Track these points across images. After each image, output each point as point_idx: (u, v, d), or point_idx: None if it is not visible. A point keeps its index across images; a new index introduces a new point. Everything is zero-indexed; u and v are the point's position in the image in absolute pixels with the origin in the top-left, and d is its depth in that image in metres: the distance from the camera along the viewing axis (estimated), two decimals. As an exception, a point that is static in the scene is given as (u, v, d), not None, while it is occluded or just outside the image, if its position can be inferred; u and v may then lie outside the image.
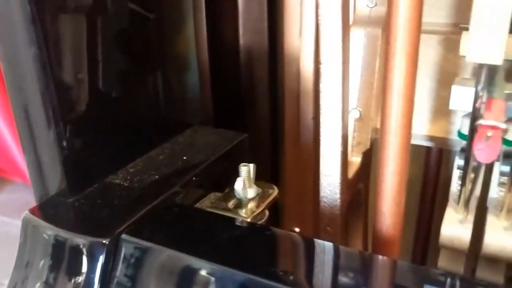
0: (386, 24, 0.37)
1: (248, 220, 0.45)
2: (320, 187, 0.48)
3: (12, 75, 0.43)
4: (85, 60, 0.45)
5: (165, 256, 0.39)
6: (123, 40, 0.48)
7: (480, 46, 0.34)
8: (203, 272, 0.38)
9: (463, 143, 0.44)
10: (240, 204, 0.47)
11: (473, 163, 0.41)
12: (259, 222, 0.47)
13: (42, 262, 0.42)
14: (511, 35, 0.36)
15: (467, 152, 0.40)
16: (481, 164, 0.41)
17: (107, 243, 0.40)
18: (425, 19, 0.49)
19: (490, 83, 0.38)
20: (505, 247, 0.41)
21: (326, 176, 0.46)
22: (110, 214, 0.43)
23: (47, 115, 0.43)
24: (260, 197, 0.48)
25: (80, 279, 0.41)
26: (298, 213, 0.69)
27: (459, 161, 0.43)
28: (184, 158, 0.52)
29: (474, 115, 0.38)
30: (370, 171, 0.58)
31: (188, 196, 0.48)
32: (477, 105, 0.38)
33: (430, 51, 0.50)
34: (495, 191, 0.45)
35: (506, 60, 0.37)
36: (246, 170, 0.46)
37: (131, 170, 0.50)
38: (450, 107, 0.43)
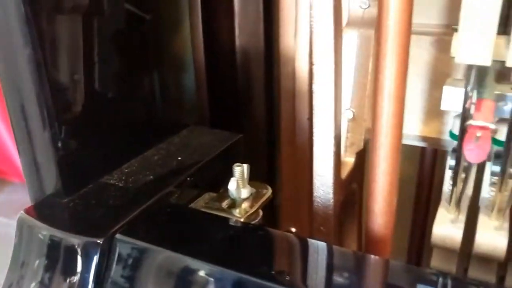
0: (377, 25, 0.37)
1: (242, 220, 0.45)
2: (313, 187, 0.48)
3: (7, 76, 0.43)
4: (80, 61, 0.45)
5: (159, 255, 0.40)
6: (119, 41, 0.49)
7: (469, 47, 0.35)
8: (197, 272, 0.38)
9: (455, 143, 0.44)
10: (234, 204, 0.47)
11: (464, 163, 0.42)
12: (253, 222, 0.47)
13: (37, 262, 0.43)
14: (501, 36, 0.37)
15: (457, 152, 0.40)
16: (471, 164, 0.42)
17: (101, 243, 0.40)
18: (418, 20, 0.50)
19: (480, 84, 0.39)
20: (496, 247, 0.42)
21: (320, 176, 0.47)
22: (104, 214, 0.44)
23: (42, 116, 0.43)
24: (254, 197, 0.48)
25: (75, 278, 0.41)
26: (294, 213, 0.70)
27: (450, 161, 0.44)
28: (179, 158, 0.52)
29: (464, 116, 0.39)
30: (364, 171, 0.59)
31: (183, 196, 0.49)
32: (467, 105, 0.38)
33: (422, 52, 0.50)
34: (486, 191, 0.46)
35: (496, 61, 0.38)
36: (240, 170, 0.47)
37: (126, 170, 0.50)
38: (442, 108, 0.43)
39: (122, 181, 0.48)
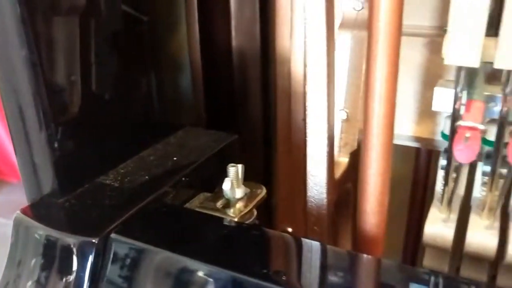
0: (368, 27, 0.38)
1: (236, 219, 0.46)
2: (307, 187, 0.48)
3: (4, 76, 0.43)
4: (77, 62, 0.45)
5: (153, 255, 0.40)
6: (115, 42, 0.49)
7: (458, 49, 0.35)
8: (191, 271, 0.39)
9: (447, 143, 0.45)
10: (228, 204, 0.48)
11: (455, 163, 0.42)
12: (247, 222, 0.47)
13: (33, 261, 0.43)
14: (490, 38, 0.37)
15: (448, 153, 0.41)
16: (462, 164, 0.42)
17: (96, 242, 0.41)
18: (410, 21, 0.50)
19: (470, 85, 0.39)
20: (487, 246, 0.42)
21: (313, 176, 0.47)
22: (100, 214, 0.44)
23: (38, 117, 0.43)
24: (248, 197, 0.49)
25: (71, 278, 0.41)
26: (290, 213, 0.70)
27: (442, 161, 0.44)
28: (174, 159, 0.53)
29: (454, 117, 0.39)
30: (358, 171, 0.59)
31: (178, 196, 0.49)
32: (456, 106, 0.39)
33: (415, 54, 0.51)
34: (478, 191, 0.46)
35: (486, 63, 0.38)
36: (234, 170, 0.47)
37: (122, 170, 0.50)
38: (433, 109, 0.43)
39: (117, 181, 0.49)
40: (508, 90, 0.37)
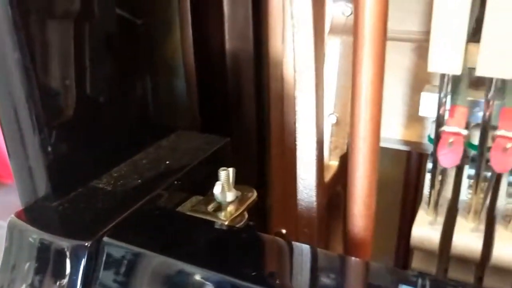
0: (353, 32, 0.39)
1: (226, 223, 0.46)
2: (297, 191, 0.49)
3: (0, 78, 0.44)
4: (71, 66, 0.46)
5: (145, 258, 0.41)
6: (109, 46, 0.49)
7: (440, 57, 0.36)
8: (181, 274, 0.39)
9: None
10: (219, 207, 0.48)
11: (440, 167, 0.43)
12: (238, 225, 0.48)
13: (27, 265, 0.44)
14: (475, 44, 0.38)
15: (434, 156, 0.42)
16: (447, 168, 0.43)
17: (88, 245, 0.41)
18: (399, 27, 0.51)
19: (454, 90, 0.40)
20: (472, 248, 0.43)
21: (303, 180, 0.48)
22: (92, 218, 0.45)
23: (31, 121, 0.44)
24: (239, 200, 0.49)
25: (64, 281, 0.42)
26: (283, 215, 0.71)
27: (429, 165, 0.45)
28: (167, 162, 0.53)
29: (439, 122, 0.40)
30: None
31: (170, 199, 0.50)
32: (441, 112, 0.40)
33: (403, 58, 0.51)
34: (464, 194, 0.47)
35: (471, 68, 0.39)
36: (225, 174, 0.48)
37: (115, 174, 0.51)
38: (420, 114, 0.44)
39: (110, 185, 0.49)
40: (490, 95, 0.37)
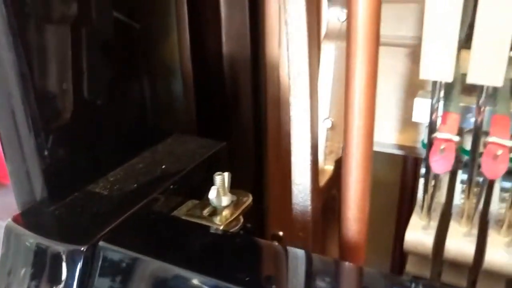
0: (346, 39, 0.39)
1: (222, 227, 0.47)
2: (292, 195, 0.50)
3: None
4: (68, 70, 0.46)
5: (140, 262, 0.41)
6: (106, 50, 0.50)
7: (432, 64, 0.36)
8: (176, 279, 0.40)
9: (427, 152, 0.46)
10: (215, 211, 0.49)
11: (433, 172, 0.43)
12: (233, 229, 0.48)
13: (24, 269, 0.44)
14: (467, 51, 0.38)
15: (426, 162, 0.42)
16: (439, 174, 0.43)
17: (84, 250, 0.42)
18: (393, 32, 0.52)
19: (447, 96, 0.40)
20: (464, 253, 0.43)
21: (297, 184, 0.48)
22: (89, 222, 0.45)
23: (28, 125, 0.44)
24: (234, 205, 0.50)
25: (60, 286, 0.42)
26: (281, 217, 0.71)
27: (422, 170, 0.45)
28: (163, 166, 0.54)
29: (431, 128, 0.40)
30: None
31: (166, 204, 0.50)
32: (433, 118, 0.40)
33: (397, 63, 0.52)
34: (458, 199, 0.47)
35: (464, 74, 0.39)
36: (221, 179, 0.48)
37: (111, 179, 0.51)
38: (413, 119, 0.44)
39: (107, 189, 0.50)
40: (481, 102, 0.38)
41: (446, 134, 0.38)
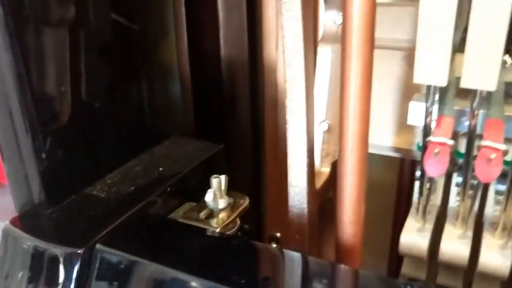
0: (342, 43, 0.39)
1: (218, 230, 0.47)
2: (288, 197, 0.50)
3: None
4: (66, 73, 0.46)
5: (137, 265, 0.41)
6: (104, 52, 0.50)
7: (425, 68, 0.36)
8: (172, 281, 0.40)
9: (422, 155, 0.46)
10: (211, 214, 0.49)
11: (427, 175, 0.44)
12: (230, 231, 0.49)
13: (21, 272, 0.44)
14: (462, 54, 0.39)
15: (421, 165, 0.42)
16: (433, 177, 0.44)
17: (81, 253, 0.42)
18: (390, 35, 0.52)
19: (441, 100, 0.40)
20: (459, 255, 0.44)
21: (294, 187, 0.49)
22: (86, 225, 0.45)
23: (25, 127, 0.44)
24: (231, 207, 0.50)
25: (57, 288, 0.43)
26: (278, 219, 0.71)
27: (417, 172, 0.46)
28: (160, 169, 0.54)
29: (425, 132, 0.40)
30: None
31: (163, 206, 0.50)
32: (427, 121, 0.40)
33: (394, 67, 0.52)
34: (453, 201, 0.48)
35: (458, 78, 0.39)
36: (217, 181, 0.48)
37: (109, 181, 0.51)
38: (408, 122, 0.45)
39: (104, 192, 0.50)
40: (475, 106, 0.38)
41: (440, 138, 0.38)
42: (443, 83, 0.37)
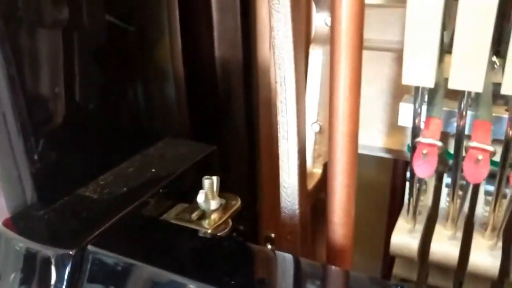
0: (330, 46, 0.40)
1: (210, 231, 0.47)
2: (280, 198, 0.50)
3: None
4: (60, 75, 0.46)
5: (128, 266, 0.42)
6: (97, 54, 0.50)
7: (413, 70, 0.37)
8: (164, 283, 0.40)
9: (413, 156, 0.46)
10: (203, 215, 0.49)
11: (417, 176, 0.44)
12: (222, 232, 0.49)
13: (13, 274, 0.44)
14: (450, 55, 0.39)
15: (411, 166, 0.42)
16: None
17: (73, 254, 0.42)
18: (381, 36, 0.52)
19: (430, 101, 0.41)
20: (449, 256, 0.44)
21: (285, 188, 0.49)
22: (78, 226, 0.45)
23: (17, 129, 0.44)
24: (223, 208, 0.50)
25: (49, 290, 0.43)
26: (273, 220, 0.72)
27: (408, 174, 0.46)
28: (153, 170, 0.54)
29: (414, 133, 0.41)
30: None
31: (156, 207, 0.50)
32: (416, 123, 0.40)
33: (385, 68, 0.52)
34: (444, 202, 0.48)
35: (446, 79, 0.40)
36: (209, 183, 0.49)
37: (102, 182, 0.52)
38: (399, 124, 0.45)
39: (97, 193, 0.50)
40: (463, 107, 0.38)
41: (429, 139, 0.38)
42: (430, 84, 0.37)
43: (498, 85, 0.39)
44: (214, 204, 0.49)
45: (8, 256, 0.45)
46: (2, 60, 0.41)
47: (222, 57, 0.68)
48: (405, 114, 0.44)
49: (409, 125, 0.44)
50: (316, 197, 0.55)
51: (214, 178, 0.49)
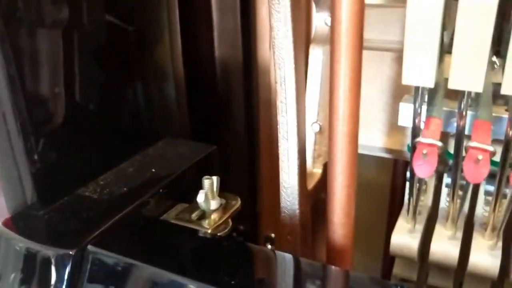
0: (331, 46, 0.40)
1: (210, 230, 0.47)
2: (280, 198, 0.50)
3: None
4: (60, 75, 0.46)
5: (128, 266, 0.42)
6: (97, 54, 0.50)
7: (413, 70, 0.37)
8: (164, 283, 0.40)
9: (413, 156, 0.46)
10: (203, 215, 0.49)
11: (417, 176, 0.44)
12: (222, 232, 0.49)
13: (13, 274, 0.44)
14: (450, 55, 0.39)
15: (411, 166, 0.42)
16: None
17: (73, 254, 0.42)
18: (381, 36, 0.52)
19: (430, 101, 0.41)
20: (449, 256, 0.44)
21: (285, 188, 0.49)
22: (78, 226, 0.45)
23: (17, 129, 0.44)
24: (223, 208, 0.50)
25: (49, 290, 0.43)
26: (273, 220, 0.72)
27: (408, 174, 0.46)
28: (153, 170, 0.54)
29: (414, 133, 0.41)
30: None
31: (156, 207, 0.50)
32: (416, 123, 0.40)
33: (385, 68, 0.52)
34: (444, 202, 0.48)
35: (447, 79, 0.40)
36: (209, 183, 0.49)
37: (101, 182, 0.52)
38: (399, 124, 0.45)
39: (96, 193, 0.50)
40: (463, 106, 0.38)
41: (429, 139, 0.38)
42: (430, 84, 0.37)
43: (498, 85, 0.39)
44: (214, 204, 0.49)
45: (8, 256, 0.45)
46: (2, 60, 0.41)
47: (222, 57, 0.68)
48: (405, 114, 0.44)
49: (409, 125, 0.44)
50: (316, 197, 0.55)
51: (214, 178, 0.49)
